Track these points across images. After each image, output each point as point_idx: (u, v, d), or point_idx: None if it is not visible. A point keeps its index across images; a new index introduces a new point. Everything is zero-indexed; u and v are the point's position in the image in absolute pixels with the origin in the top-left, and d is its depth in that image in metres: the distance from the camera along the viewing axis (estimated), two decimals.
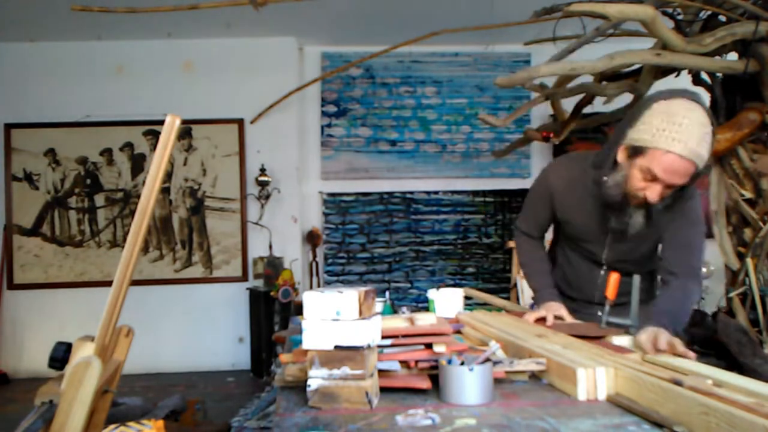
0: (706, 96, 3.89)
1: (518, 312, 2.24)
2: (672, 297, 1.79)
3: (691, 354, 1.50)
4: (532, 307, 3.12)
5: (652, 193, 1.69)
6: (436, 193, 6.22)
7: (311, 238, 6.00)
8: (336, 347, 1.13)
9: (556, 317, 1.96)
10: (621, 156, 1.75)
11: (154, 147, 5.79)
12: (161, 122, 1.17)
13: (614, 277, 1.82)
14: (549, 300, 2.05)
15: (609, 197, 1.80)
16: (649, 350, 1.49)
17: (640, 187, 1.71)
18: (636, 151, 1.68)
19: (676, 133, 1.60)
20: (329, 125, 6.17)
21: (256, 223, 5.85)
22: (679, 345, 1.49)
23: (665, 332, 1.53)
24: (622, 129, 1.76)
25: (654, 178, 1.67)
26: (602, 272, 2.03)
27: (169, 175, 5.86)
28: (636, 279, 1.77)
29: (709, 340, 3.72)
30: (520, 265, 2.25)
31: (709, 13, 3.56)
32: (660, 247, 1.97)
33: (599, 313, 1.87)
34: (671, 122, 1.61)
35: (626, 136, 1.72)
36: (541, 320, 1.93)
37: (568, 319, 1.96)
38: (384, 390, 1.25)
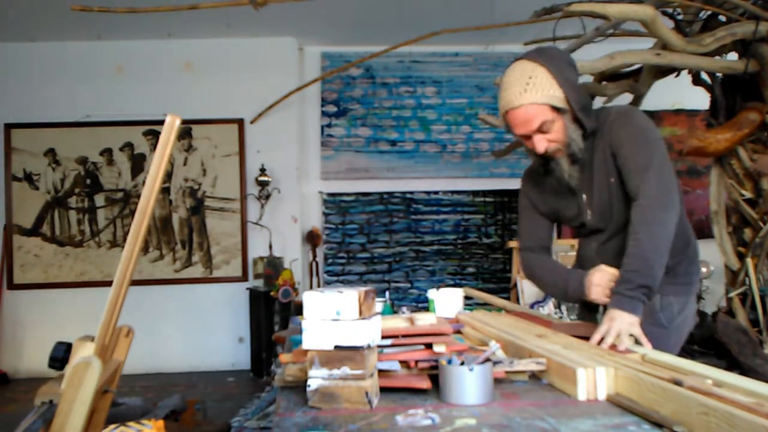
0: (706, 96, 3.89)
1: (518, 312, 2.24)
2: (632, 251, 1.65)
3: (645, 341, 1.56)
4: (532, 306, 3.12)
5: (537, 146, 1.76)
6: (436, 193, 6.22)
7: (311, 238, 6.00)
8: (336, 347, 1.13)
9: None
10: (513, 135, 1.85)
11: (154, 147, 5.79)
12: (161, 122, 1.17)
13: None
14: (591, 273, 1.79)
15: (537, 169, 1.89)
16: (597, 345, 1.53)
17: (530, 147, 1.79)
18: (507, 126, 1.80)
19: (503, 92, 1.73)
20: (329, 125, 6.17)
21: (256, 223, 5.85)
22: (626, 337, 1.53)
23: (617, 325, 1.55)
24: None
25: (522, 136, 1.77)
26: (594, 244, 1.91)
27: (169, 175, 5.87)
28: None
29: (709, 340, 3.73)
30: (538, 280, 2.01)
31: (709, 13, 3.57)
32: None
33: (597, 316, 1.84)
34: (502, 87, 1.74)
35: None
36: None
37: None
38: (384, 390, 1.25)
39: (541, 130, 1.72)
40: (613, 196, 1.80)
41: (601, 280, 1.74)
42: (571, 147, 1.75)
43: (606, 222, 1.85)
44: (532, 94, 1.68)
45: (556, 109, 1.70)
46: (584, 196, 1.85)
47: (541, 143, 1.74)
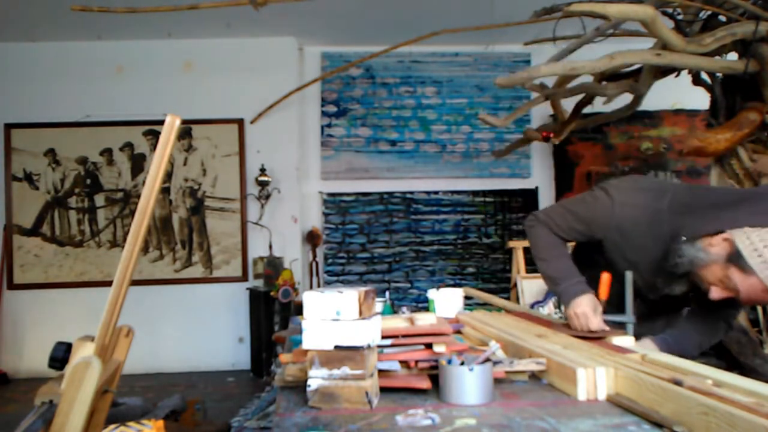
0: (706, 96, 3.89)
1: (518, 312, 2.24)
2: (686, 335, 1.80)
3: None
4: (532, 306, 3.12)
5: (717, 294, 1.58)
6: (436, 193, 6.22)
7: (311, 238, 6.00)
8: (336, 347, 1.13)
9: (593, 334, 1.71)
10: (719, 243, 1.57)
11: (154, 147, 5.79)
12: (161, 122, 1.17)
13: (606, 277, 1.82)
14: (582, 292, 1.77)
15: (672, 262, 1.64)
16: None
17: (712, 282, 1.58)
18: (739, 263, 1.51)
19: None
20: (329, 125, 6.17)
21: (256, 223, 5.85)
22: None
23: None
24: (738, 213, 1.58)
25: (733, 291, 1.55)
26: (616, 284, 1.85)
27: (169, 175, 5.86)
28: (628, 275, 1.76)
29: None
30: (534, 251, 1.93)
31: (709, 13, 3.56)
32: None
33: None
34: None
35: (741, 230, 1.53)
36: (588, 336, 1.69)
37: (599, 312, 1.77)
38: (384, 390, 1.25)
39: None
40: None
41: (587, 308, 1.74)
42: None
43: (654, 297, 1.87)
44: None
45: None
46: (687, 288, 1.74)
47: (721, 298, 1.60)
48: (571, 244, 2.04)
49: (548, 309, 5.22)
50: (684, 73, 3.88)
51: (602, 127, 5.91)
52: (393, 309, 2.36)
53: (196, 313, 5.78)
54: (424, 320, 1.50)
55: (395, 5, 5.20)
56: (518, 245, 5.72)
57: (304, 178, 6.10)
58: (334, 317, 1.13)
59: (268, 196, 5.83)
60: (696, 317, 1.87)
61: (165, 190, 5.86)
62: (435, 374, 1.27)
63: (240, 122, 5.89)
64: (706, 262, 1.56)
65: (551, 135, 4.71)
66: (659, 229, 1.69)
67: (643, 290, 1.84)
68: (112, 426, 1.20)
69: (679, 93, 5.29)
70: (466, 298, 2.30)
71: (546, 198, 6.25)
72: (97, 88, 5.81)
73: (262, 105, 5.76)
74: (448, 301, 2.18)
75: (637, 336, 1.76)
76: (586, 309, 1.72)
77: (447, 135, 6.23)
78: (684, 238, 1.61)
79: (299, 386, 1.26)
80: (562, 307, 1.83)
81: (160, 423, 1.23)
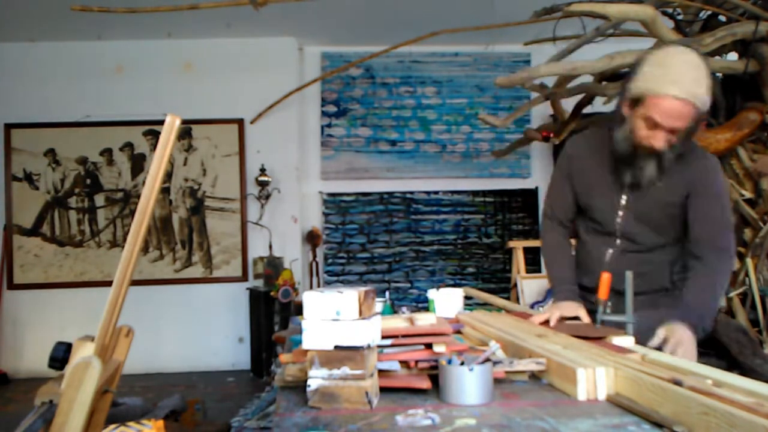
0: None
1: (518, 312, 2.24)
2: (699, 288, 1.81)
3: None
4: (532, 306, 3.12)
5: (657, 140, 1.72)
6: (436, 193, 6.22)
7: (311, 238, 6.00)
8: (336, 347, 1.13)
9: (568, 318, 1.87)
10: (625, 110, 1.77)
11: (154, 147, 5.79)
12: (161, 122, 1.17)
13: (606, 277, 1.82)
14: (566, 299, 1.94)
15: (619, 151, 1.82)
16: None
17: (645, 135, 1.73)
18: (636, 102, 1.72)
19: (668, 76, 1.64)
20: (329, 125, 6.17)
21: (256, 223, 5.85)
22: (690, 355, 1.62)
23: (681, 342, 1.65)
24: (624, 84, 1.80)
25: (655, 125, 1.70)
26: (611, 250, 1.95)
27: (169, 175, 5.87)
28: (629, 275, 1.77)
29: (709, 340, 3.72)
30: (542, 252, 2.14)
31: (709, 13, 3.57)
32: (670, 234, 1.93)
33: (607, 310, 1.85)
34: (664, 66, 1.66)
35: (627, 89, 1.75)
36: (545, 322, 1.86)
37: (585, 319, 1.87)
38: (384, 390, 1.25)
39: (680, 130, 1.70)
40: (663, 219, 1.88)
41: (566, 313, 1.88)
42: (670, 153, 1.75)
43: (635, 235, 1.90)
44: (699, 92, 1.64)
45: (699, 115, 1.69)
46: (624, 199, 1.89)
47: (663, 141, 1.73)
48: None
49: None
50: None
51: None
52: (393, 309, 2.36)
53: (196, 313, 5.78)
54: (424, 320, 1.50)
55: (395, 5, 5.20)
56: (518, 245, 5.72)
57: (304, 178, 6.10)
58: (334, 317, 1.13)
59: (268, 196, 5.83)
60: (692, 274, 1.87)
61: (165, 190, 5.86)
62: (435, 374, 1.27)
63: (240, 122, 5.89)
64: (629, 127, 1.76)
65: (551, 135, 4.71)
66: (605, 147, 1.90)
67: (619, 229, 1.93)
68: (112, 426, 1.20)
69: None
70: (466, 298, 2.30)
71: None
72: (97, 88, 5.81)
73: (262, 105, 5.76)
74: (448, 301, 2.18)
75: (642, 330, 1.75)
76: (566, 311, 1.89)
77: (447, 135, 6.23)
78: (615, 133, 1.83)
79: (299, 386, 1.26)
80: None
81: (160, 423, 1.23)
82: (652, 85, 1.66)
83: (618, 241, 1.94)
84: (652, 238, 1.91)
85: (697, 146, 1.89)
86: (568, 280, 1.99)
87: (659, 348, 1.63)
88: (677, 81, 1.63)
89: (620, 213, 1.91)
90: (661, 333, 1.68)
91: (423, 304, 5.11)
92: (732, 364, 3.26)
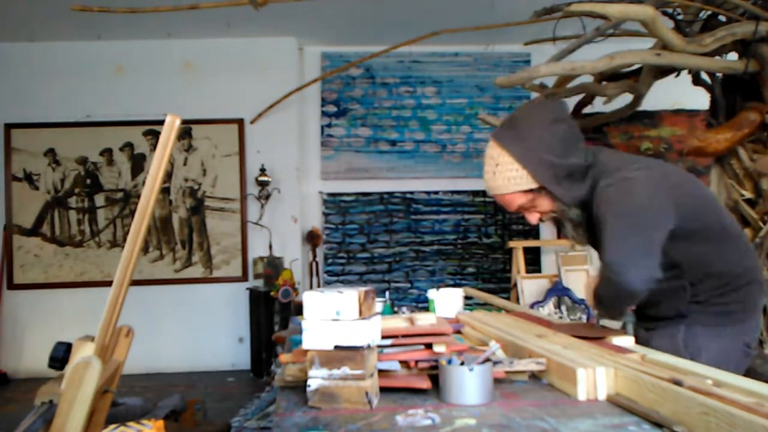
0: (706, 96, 3.89)
1: (518, 312, 2.24)
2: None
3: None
4: (532, 306, 3.13)
5: (529, 220, 1.81)
6: (436, 193, 6.22)
7: (311, 238, 6.00)
8: (336, 347, 1.13)
9: None
10: None
11: (154, 147, 5.79)
12: (161, 122, 1.17)
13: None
14: None
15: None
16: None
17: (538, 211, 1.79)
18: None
19: (484, 174, 1.78)
20: (329, 125, 6.17)
21: (256, 223, 5.85)
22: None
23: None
24: None
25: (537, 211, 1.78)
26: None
27: (169, 175, 5.87)
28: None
29: None
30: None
31: (709, 13, 3.56)
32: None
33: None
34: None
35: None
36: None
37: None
38: (384, 390, 1.25)
39: (523, 208, 1.76)
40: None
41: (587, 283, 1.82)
42: (565, 214, 1.74)
43: None
44: (500, 183, 1.73)
45: (529, 191, 1.71)
46: (570, 229, 1.83)
47: (532, 217, 1.78)
48: None
49: (548, 309, 5.22)
50: (684, 73, 3.88)
51: (602, 127, 5.90)
52: (393, 309, 2.36)
53: (196, 313, 5.78)
54: (424, 320, 1.50)
55: (395, 5, 5.20)
56: (518, 245, 5.72)
57: (304, 178, 6.10)
58: (334, 317, 1.13)
59: (268, 196, 5.83)
60: None
61: (165, 190, 5.86)
62: (435, 374, 1.27)
63: (240, 122, 5.89)
64: None
65: None
66: None
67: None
68: (112, 426, 1.20)
69: (679, 93, 5.29)
70: (466, 298, 2.30)
71: None
72: (97, 88, 5.81)
73: (262, 105, 5.76)
74: (448, 301, 2.18)
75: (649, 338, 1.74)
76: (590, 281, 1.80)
77: (447, 135, 6.23)
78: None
79: (299, 386, 1.26)
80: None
81: (160, 423, 1.23)
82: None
83: None
84: None
85: (601, 169, 1.70)
86: None
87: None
88: (484, 175, 1.77)
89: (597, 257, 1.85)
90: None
91: (423, 304, 5.11)
92: None
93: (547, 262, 6.15)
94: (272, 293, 5.20)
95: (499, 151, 1.71)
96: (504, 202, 1.76)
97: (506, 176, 1.70)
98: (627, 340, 1.63)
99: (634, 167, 1.70)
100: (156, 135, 5.78)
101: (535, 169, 1.66)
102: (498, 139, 1.72)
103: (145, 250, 5.78)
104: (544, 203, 1.73)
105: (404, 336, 1.33)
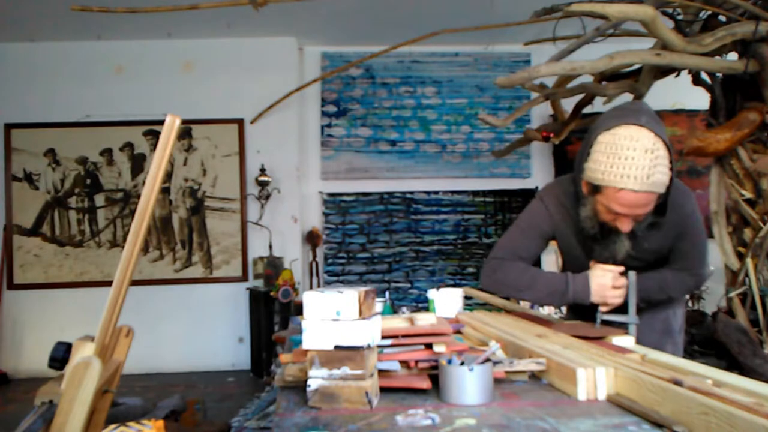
0: (706, 96, 3.89)
1: (518, 312, 2.23)
2: (663, 273, 1.88)
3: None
4: (532, 306, 3.12)
5: (622, 224, 1.67)
6: (436, 193, 6.22)
7: (311, 238, 6.00)
8: (336, 347, 1.13)
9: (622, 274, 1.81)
10: (585, 189, 1.72)
11: (154, 147, 5.79)
12: (161, 122, 1.17)
13: None
14: (586, 274, 1.84)
15: (586, 230, 1.77)
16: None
17: (610, 219, 1.68)
18: (594, 188, 1.66)
19: (625, 169, 1.55)
20: (329, 125, 6.17)
21: (256, 223, 5.85)
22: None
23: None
24: (579, 160, 1.73)
25: (617, 213, 1.64)
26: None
27: (169, 175, 5.87)
28: (632, 275, 1.78)
29: (709, 340, 3.73)
30: (511, 288, 1.92)
31: (709, 13, 3.56)
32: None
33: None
34: (618, 157, 1.56)
35: (583, 169, 1.68)
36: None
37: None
38: (384, 390, 1.25)
39: (639, 215, 1.65)
40: (655, 262, 1.89)
41: (604, 280, 1.78)
42: (640, 226, 1.70)
43: (635, 264, 1.84)
44: (658, 178, 1.56)
45: (662, 195, 1.63)
46: (629, 243, 1.76)
47: (629, 225, 1.68)
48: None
49: (548, 309, 5.22)
50: (684, 73, 3.88)
51: None
52: (393, 309, 2.36)
53: (196, 313, 5.78)
54: (424, 320, 1.50)
55: (395, 5, 5.20)
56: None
57: (304, 178, 6.10)
58: (334, 317, 1.13)
59: (268, 196, 5.83)
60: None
61: (165, 190, 5.86)
62: (435, 374, 1.27)
63: (240, 122, 5.89)
64: (591, 208, 1.70)
65: (551, 135, 4.71)
66: (576, 216, 1.81)
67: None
68: (112, 426, 1.20)
69: (679, 93, 5.29)
70: (466, 298, 2.30)
71: None
72: (97, 88, 5.81)
73: (262, 105, 5.76)
74: (448, 301, 2.18)
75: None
76: (608, 275, 1.80)
77: (447, 135, 6.23)
78: (580, 212, 1.76)
79: (299, 386, 1.26)
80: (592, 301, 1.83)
81: (160, 423, 1.23)
82: (608, 177, 1.58)
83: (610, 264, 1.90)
84: (644, 267, 1.87)
85: (677, 186, 1.74)
86: (562, 274, 1.89)
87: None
88: (632, 174, 1.54)
89: (622, 253, 1.80)
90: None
91: (423, 304, 5.11)
92: (732, 364, 3.27)
93: (547, 262, 6.15)
94: (272, 293, 5.20)
95: (655, 141, 1.55)
96: (644, 202, 1.59)
97: (664, 175, 1.57)
98: (627, 340, 1.63)
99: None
100: (156, 135, 5.78)
101: (671, 174, 1.60)
102: (651, 128, 1.55)
103: (145, 250, 5.78)
104: (646, 215, 1.67)
105: (404, 336, 1.33)
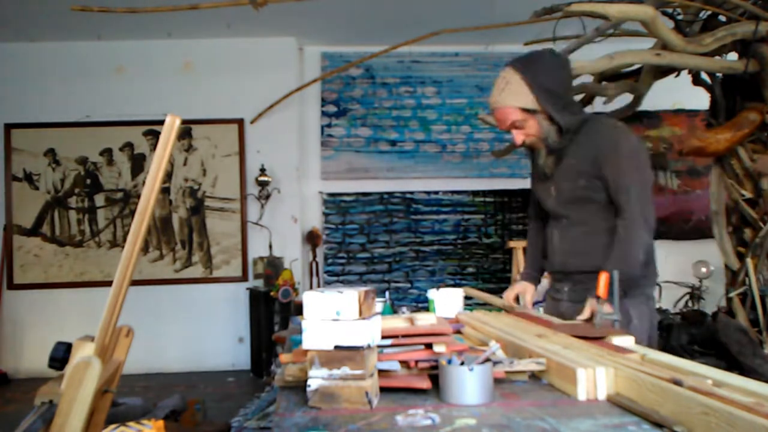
0: (706, 96, 3.89)
1: (518, 312, 2.24)
2: (616, 243, 1.95)
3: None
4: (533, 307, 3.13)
5: (514, 138, 2.07)
6: (436, 193, 6.22)
7: (311, 238, 6.00)
8: (336, 347, 1.13)
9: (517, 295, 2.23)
10: None
11: (154, 147, 5.79)
12: (161, 122, 1.17)
13: (604, 276, 1.83)
14: (522, 279, 2.29)
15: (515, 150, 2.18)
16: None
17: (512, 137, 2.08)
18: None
19: (490, 94, 2.05)
20: (329, 125, 6.17)
21: (256, 223, 5.85)
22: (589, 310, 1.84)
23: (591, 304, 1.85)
24: None
25: (505, 129, 2.08)
26: (556, 231, 2.15)
27: (169, 175, 5.87)
28: (615, 274, 1.80)
29: (709, 340, 3.73)
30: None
31: (709, 13, 3.57)
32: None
33: (566, 288, 2.13)
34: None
35: None
36: (515, 300, 2.22)
37: (528, 298, 2.22)
38: (384, 390, 1.25)
39: (515, 126, 2.03)
40: (581, 191, 2.03)
41: (525, 294, 2.24)
42: (546, 140, 2.03)
43: (568, 211, 2.10)
44: (505, 98, 2.00)
45: (527, 110, 1.99)
46: (553, 185, 2.11)
47: (518, 136, 2.06)
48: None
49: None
50: (684, 73, 3.88)
51: None
52: (393, 309, 2.36)
53: (196, 313, 5.78)
54: (424, 320, 1.50)
55: (395, 5, 5.20)
56: (518, 245, 5.71)
57: (304, 178, 6.10)
58: (334, 317, 1.13)
59: (268, 196, 5.83)
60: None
61: (165, 190, 5.86)
62: (435, 374, 1.27)
63: (240, 122, 5.89)
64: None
65: None
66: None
67: (552, 208, 2.17)
68: (112, 426, 1.20)
69: (679, 93, 5.29)
70: (466, 298, 2.30)
71: None
72: (97, 88, 5.81)
73: (262, 105, 5.76)
74: (448, 301, 2.18)
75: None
76: (516, 290, 2.25)
77: (447, 135, 6.23)
78: None
79: (299, 386, 1.26)
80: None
81: (160, 423, 1.24)
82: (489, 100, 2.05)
83: (558, 221, 2.14)
84: (582, 214, 2.06)
85: (601, 119, 2.13)
86: (529, 266, 2.33)
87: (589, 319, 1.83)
88: (492, 96, 2.03)
89: (552, 194, 2.12)
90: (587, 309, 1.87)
91: (423, 304, 5.11)
92: (732, 364, 3.27)
93: None
94: (272, 293, 5.20)
95: (512, 73, 1.99)
96: (502, 115, 2.01)
97: (513, 92, 1.98)
98: (627, 340, 1.63)
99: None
100: (156, 135, 5.78)
101: (540, 93, 1.96)
102: (514, 65, 2.01)
103: (145, 250, 5.78)
104: (533, 127, 2.01)
105: (404, 336, 1.33)
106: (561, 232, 2.13)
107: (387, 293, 2.49)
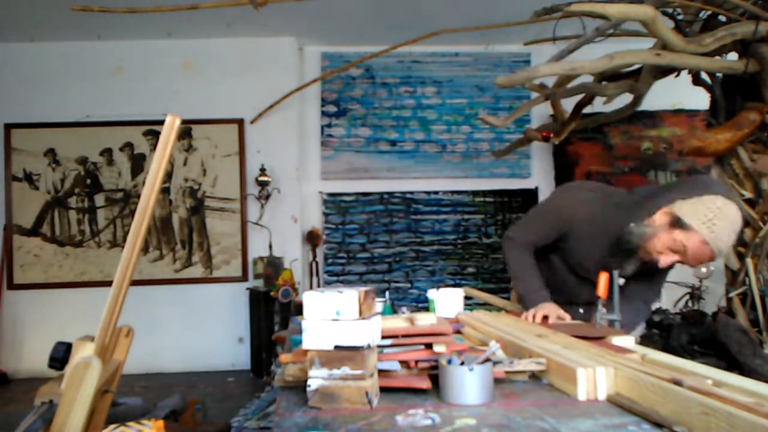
0: (706, 96, 3.89)
1: (518, 312, 2.24)
2: (633, 309, 2.06)
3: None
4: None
5: (667, 260, 1.86)
6: (436, 193, 6.22)
7: (311, 238, 6.00)
8: (336, 347, 1.13)
9: (558, 317, 2.02)
10: (660, 217, 1.85)
11: (154, 147, 5.79)
12: (161, 122, 1.17)
13: (604, 277, 1.84)
14: (545, 301, 2.09)
15: (625, 243, 1.91)
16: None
17: (660, 250, 1.86)
18: (680, 224, 1.79)
19: (718, 230, 1.75)
20: (329, 125, 6.17)
21: (256, 223, 5.85)
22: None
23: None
24: (670, 194, 1.86)
25: (679, 252, 1.83)
26: (573, 278, 2.18)
27: (169, 175, 5.87)
28: (615, 273, 1.85)
29: (709, 340, 3.72)
30: (509, 270, 2.26)
31: (709, 13, 3.56)
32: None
33: (580, 311, 2.14)
34: (718, 218, 1.75)
35: (674, 204, 1.82)
36: (544, 320, 1.99)
37: (567, 319, 2.02)
38: (384, 390, 1.25)
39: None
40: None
41: (550, 313, 2.02)
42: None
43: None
44: (726, 250, 1.81)
45: None
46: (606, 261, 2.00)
47: (670, 264, 1.91)
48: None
49: None
50: (684, 73, 3.88)
51: (602, 127, 5.91)
52: (393, 309, 2.36)
53: (196, 313, 5.78)
54: (424, 320, 1.50)
55: (395, 5, 5.20)
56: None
57: (304, 178, 6.10)
58: (334, 317, 1.13)
59: (268, 196, 5.83)
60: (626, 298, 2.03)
61: (165, 190, 5.86)
62: (435, 374, 1.27)
63: (240, 122, 5.89)
64: (653, 233, 1.85)
65: (551, 135, 4.71)
66: (609, 222, 1.99)
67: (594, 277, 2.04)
68: (112, 426, 1.20)
69: (679, 93, 5.29)
70: (466, 298, 2.30)
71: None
72: (97, 88, 5.81)
73: (262, 105, 5.76)
74: (448, 301, 2.18)
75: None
76: (547, 311, 2.02)
77: (447, 135, 6.23)
78: (632, 224, 1.90)
79: (299, 386, 1.26)
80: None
81: (160, 423, 1.23)
82: (704, 229, 1.75)
83: (579, 274, 2.16)
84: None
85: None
86: (542, 288, 2.14)
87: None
88: (720, 238, 1.75)
89: (597, 260, 2.03)
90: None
91: (423, 304, 5.11)
92: (732, 364, 3.26)
93: None
94: (272, 293, 5.20)
95: (740, 221, 1.80)
96: (708, 259, 1.82)
97: (731, 244, 1.82)
98: (627, 340, 1.63)
99: None
100: (156, 135, 5.78)
101: None
102: (739, 207, 1.81)
103: (145, 250, 5.78)
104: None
105: (404, 336, 1.33)
106: (580, 281, 2.16)
107: (387, 293, 2.49)
